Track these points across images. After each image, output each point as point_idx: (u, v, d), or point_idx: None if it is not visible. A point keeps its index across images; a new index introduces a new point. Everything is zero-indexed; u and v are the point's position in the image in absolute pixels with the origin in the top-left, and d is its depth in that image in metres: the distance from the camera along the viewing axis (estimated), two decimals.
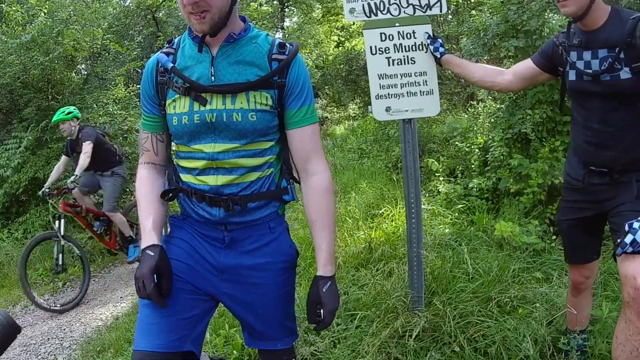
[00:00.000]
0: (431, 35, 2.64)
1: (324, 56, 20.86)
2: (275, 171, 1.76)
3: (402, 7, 2.64)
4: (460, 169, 6.04)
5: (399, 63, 2.71)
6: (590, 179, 2.18)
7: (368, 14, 2.68)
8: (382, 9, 2.65)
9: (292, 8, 22.26)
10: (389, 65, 2.73)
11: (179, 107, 1.65)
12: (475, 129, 6.43)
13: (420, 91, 2.73)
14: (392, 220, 4.88)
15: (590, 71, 2.05)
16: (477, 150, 5.59)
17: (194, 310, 1.69)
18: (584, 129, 2.15)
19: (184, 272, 1.69)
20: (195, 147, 1.66)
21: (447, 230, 4.53)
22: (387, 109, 2.79)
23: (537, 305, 2.85)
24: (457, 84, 9.68)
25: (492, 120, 5.73)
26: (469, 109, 8.07)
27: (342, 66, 18.77)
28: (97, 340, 4.14)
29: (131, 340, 3.74)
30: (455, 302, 2.89)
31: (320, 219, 1.73)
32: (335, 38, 23.02)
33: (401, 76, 2.73)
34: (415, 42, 2.67)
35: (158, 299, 1.59)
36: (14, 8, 7.92)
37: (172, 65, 1.65)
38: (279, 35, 19.62)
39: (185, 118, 1.63)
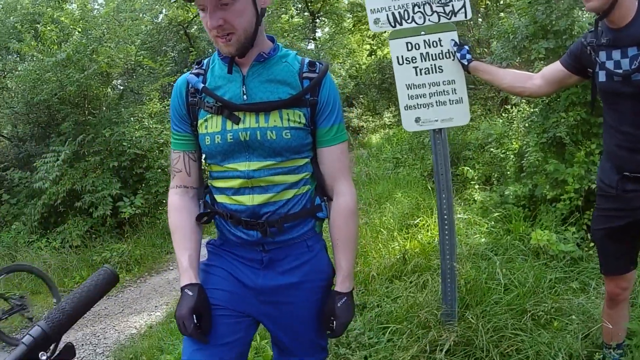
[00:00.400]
0: (458, 42, 2.59)
1: (357, 65, 20.84)
2: (312, 188, 1.76)
3: (427, 15, 2.60)
4: (495, 176, 5.94)
5: (427, 72, 2.67)
6: (624, 185, 2.08)
7: (393, 24, 2.64)
8: (406, 18, 2.62)
9: (323, 19, 22.25)
10: (416, 74, 2.69)
11: (211, 126, 1.64)
12: (509, 134, 6.31)
13: (450, 100, 2.68)
14: (427, 230, 4.82)
15: (620, 71, 1.96)
16: (512, 156, 5.48)
17: (236, 334, 1.71)
18: (616, 133, 2.06)
19: (224, 299, 1.70)
20: (229, 166, 1.66)
21: (482, 239, 4.44)
22: (417, 120, 2.75)
23: (573, 317, 2.76)
24: (490, 88, 9.52)
25: (527, 124, 5.59)
26: (503, 114, 7.93)
27: (375, 75, 18.79)
28: (129, 348, 4.19)
29: (164, 348, 3.80)
30: (489, 315, 2.83)
31: (343, 240, 1.76)
32: (367, 47, 22.93)
33: (429, 85, 2.69)
34: (442, 50, 2.63)
35: (199, 337, 1.62)
36: (48, 28, 8.13)
37: (202, 85, 1.66)
38: (311, 46, 19.68)
39: (218, 137, 1.63)
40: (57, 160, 7.48)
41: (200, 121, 1.68)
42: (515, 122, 6.66)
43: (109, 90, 9.30)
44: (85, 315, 1.09)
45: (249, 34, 1.55)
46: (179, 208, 1.75)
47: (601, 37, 2.03)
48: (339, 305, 1.72)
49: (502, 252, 4.03)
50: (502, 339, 2.64)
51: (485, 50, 9.27)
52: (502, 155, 5.75)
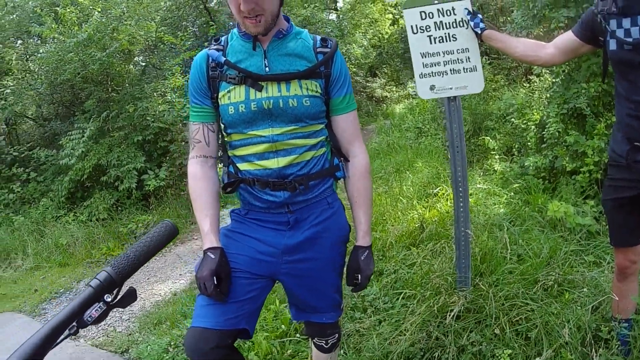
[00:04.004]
0: (471, 10, 2.58)
1: (380, 35, 20.56)
2: (327, 150, 1.92)
3: None
4: (516, 146, 5.89)
5: (441, 41, 2.67)
6: (635, 156, 2.06)
7: None
8: None
9: None
10: (430, 43, 2.69)
11: (234, 96, 1.77)
12: (531, 104, 6.23)
13: (464, 68, 2.68)
14: (446, 200, 4.84)
15: (630, 39, 1.94)
16: (533, 127, 5.42)
17: (250, 293, 1.83)
18: (627, 102, 2.04)
19: (243, 262, 1.84)
20: (252, 132, 1.78)
21: (501, 210, 4.45)
22: (432, 88, 2.76)
23: (585, 290, 2.77)
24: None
25: (548, 95, 5.52)
26: (526, 84, 7.82)
27: (398, 44, 18.48)
28: (154, 314, 4.34)
29: (187, 314, 3.93)
30: (501, 283, 2.86)
31: (360, 196, 1.95)
32: (390, 16, 22.54)
33: (443, 54, 2.69)
34: (455, 19, 2.62)
35: (219, 298, 1.73)
36: (68, 10, 8.25)
37: (224, 59, 1.78)
38: (332, 16, 19.50)
39: (242, 106, 1.76)
40: (83, 137, 7.68)
41: (222, 93, 1.79)
42: (537, 92, 6.57)
43: (131, 67, 9.43)
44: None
45: (274, 15, 1.72)
46: (199, 176, 1.87)
47: (612, 5, 2.00)
48: (362, 258, 1.91)
49: (520, 223, 4.03)
50: (512, 308, 2.68)
51: (508, 18, 9.09)
52: (523, 126, 5.69)
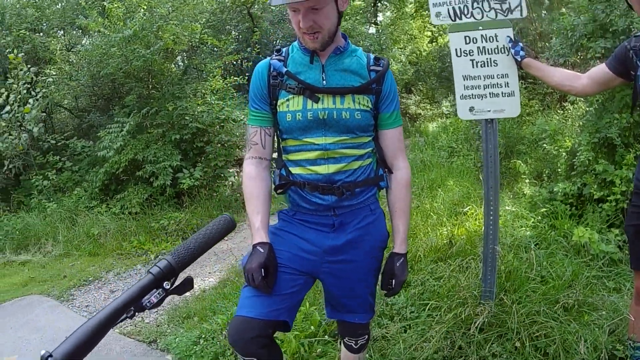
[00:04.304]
0: (513, 38, 2.71)
1: (417, 52, 20.56)
2: (373, 161, 2.07)
3: (485, 11, 2.73)
4: (547, 172, 5.93)
5: (482, 65, 2.80)
6: None
7: (453, 18, 2.79)
8: (466, 13, 2.76)
9: (385, 3, 21.94)
10: (472, 67, 2.83)
11: (292, 105, 1.93)
12: (564, 131, 6.28)
13: (502, 92, 2.81)
14: (475, 219, 4.93)
15: None
16: (564, 153, 5.48)
17: (292, 288, 1.97)
18: None
19: (288, 259, 1.98)
20: (306, 139, 1.94)
21: (528, 232, 4.51)
22: (471, 109, 2.90)
23: (603, 313, 2.86)
24: None
25: (581, 123, 5.58)
26: (559, 110, 7.86)
27: (435, 62, 18.53)
28: (183, 308, 4.47)
29: (216, 310, 4.07)
30: (524, 301, 2.96)
31: (400, 207, 2.09)
32: (429, 34, 22.51)
33: (484, 78, 2.82)
34: (497, 45, 2.75)
35: (265, 289, 1.87)
36: (115, 5, 8.45)
37: (286, 69, 1.94)
38: (372, 30, 19.61)
39: (299, 115, 1.92)
40: (122, 131, 7.84)
41: (281, 100, 1.96)
42: (570, 119, 6.62)
43: (172, 66, 9.59)
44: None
45: (331, 33, 1.87)
46: (253, 176, 2.03)
47: None
48: (397, 265, 2.05)
49: (545, 246, 4.10)
50: (533, 324, 2.78)
51: (547, 44, 9.13)
52: (554, 152, 5.74)
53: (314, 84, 1.91)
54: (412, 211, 5.40)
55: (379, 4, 21.73)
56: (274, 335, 1.98)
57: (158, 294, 1.13)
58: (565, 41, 4.99)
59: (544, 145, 6.14)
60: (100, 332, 1.03)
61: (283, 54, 2.02)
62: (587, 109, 5.26)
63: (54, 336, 4.27)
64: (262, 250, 1.87)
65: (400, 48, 17.70)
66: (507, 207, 5.22)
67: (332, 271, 2.02)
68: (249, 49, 12.23)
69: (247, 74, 11.72)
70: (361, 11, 18.98)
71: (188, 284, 1.21)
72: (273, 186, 2.08)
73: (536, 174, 6.07)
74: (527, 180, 5.79)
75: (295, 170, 2.00)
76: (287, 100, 1.94)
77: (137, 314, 1.11)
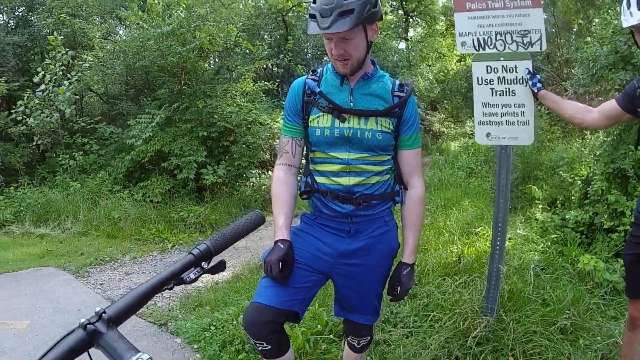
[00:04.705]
0: (531, 71, 2.86)
1: (445, 70, 20.67)
2: (391, 177, 2.25)
3: (507, 43, 2.89)
4: (561, 199, 6.02)
5: (501, 94, 2.97)
6: None
7: (477, 48, 2.96)
8: (489, 44, 2.92)
9: (417, 19, 22.09)
10: (492, 95, 2.99)
11: (322, 122, 2.14)
12: (581, 159, 6.35)
13: (518, 121, 2.96)
14: (486, 240, 5.02)
15: None
16: (579, 181, 5.56)
17: (306, 283, 2.17)
18: None
19: (304, 257, 2.18)
20: (332, 154, 2.15)
21: (536, 257, 4.61)
22: (487, 135, 3.06)
23: (599, 338, 2.97)
24: None
25: (598, 152, 5.67)
26: (579, 139, 7.91)
27: (462, 82, 18.65)
28: (195, 297, 4.67)
29: (228, 302, 4.26)
30: (523, 320, 3.09)
31: (412, 221, 2.27)
32: (458, 52, 22.61)
33: (502, 106, 2.98)
34: (516, 76, 2.91)
35: (280, 281, 2.07)
36: (156, 0, 8.77)
37: (319, 89, 2.15)
38: (402, 45, 19.71)
39: (327, 131, 2.13)
40: (152, 122, 8.10)
41: (312, 117, 2.17)
42: (588, 148, 6.69)
43: (206, 65, 9.85)
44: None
45: (360, 61, 2.06)
46: (282, 180, 2.25)
47: None
48: (404, 273, 2.22)
49: (552, 271, 4.20)
50: (528, 342, 2.92)
51: (572, 71, 9.20)
52: (570, 180, 5.83)
53: (342, 105, 2.10)
54: (425, 227, 5.55)
55: (410, 20, 21.82)
56: (284, 326, 2.17)
57: (197, 271, 1.27)
58: (587, 71, 5.08)
59: (561, 172, 6.22)
60: (146, 298, 1.16)
61: (318, 75, 2.22)
62: (605, 139, 5.35)
63: (68, 308, 4.50)
64: (282, 246, 2.07)
65: (429, 65, 17.76)
66: (518, 231, 5.33)
67: (344, 272, 2.21)
68: (281, 56, 12.49)
69: (277, 80, 11.94)
70: (392, 26, 19.11)
71: (221, 266, 1.35)
72: (298, 191, 2.28)
73: (550, 200, 6.14)
74: (540, 206, 5.88)
75: (320, 179, 2.20)
76: (318, 117, 2.14)
77: (175, 287, 1.24)
